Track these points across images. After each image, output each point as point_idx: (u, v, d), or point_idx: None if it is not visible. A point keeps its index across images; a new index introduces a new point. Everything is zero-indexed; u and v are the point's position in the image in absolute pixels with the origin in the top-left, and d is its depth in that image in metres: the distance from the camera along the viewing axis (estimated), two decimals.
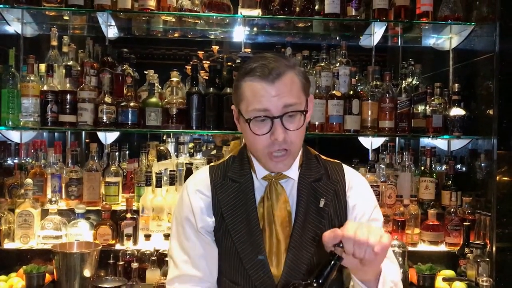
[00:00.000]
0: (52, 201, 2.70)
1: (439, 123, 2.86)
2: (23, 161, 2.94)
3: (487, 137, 2.71)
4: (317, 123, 2.80)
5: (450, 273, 2.60)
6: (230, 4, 2.93)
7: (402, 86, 2.99)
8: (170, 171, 2.81)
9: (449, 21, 2.92)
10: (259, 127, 1.39)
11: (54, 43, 2.91)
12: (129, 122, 2.75)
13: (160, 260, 2.49)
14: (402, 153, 3.13)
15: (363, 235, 1.15)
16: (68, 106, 2.73)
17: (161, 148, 3.40)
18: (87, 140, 3.54)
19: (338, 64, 2.98)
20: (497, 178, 2.60)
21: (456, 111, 2.85)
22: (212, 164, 1.63)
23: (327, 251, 1.21)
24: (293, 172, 1.51)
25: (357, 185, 1.56)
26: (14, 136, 3.03)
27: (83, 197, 2.78)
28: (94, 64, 2.90)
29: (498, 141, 2.61)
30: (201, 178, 1.56)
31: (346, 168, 1.60)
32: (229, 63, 3.01)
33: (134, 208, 2.72)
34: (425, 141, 3.33)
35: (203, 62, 3.50)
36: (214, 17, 2.99)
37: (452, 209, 2.75)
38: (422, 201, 2.90)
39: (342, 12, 2.88)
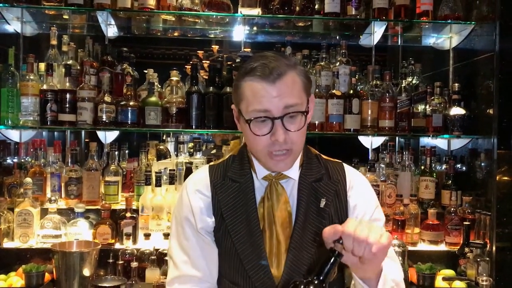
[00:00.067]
0: (52, 200, 2.70)
1: (439, 122, 2.85)
2: (22, 160, 2.94)
3: (487, 136, 2.71)
4: (317, 122, 2.79)
5: (450, 272, 2.60)
6: (230, 3, 2.92)
7: (402, 85, 2.99)
8: (170, 170, 2.81)
9: (449, 21, 2.92)
10: (259, 128, 1.37)
11: (54, 42, 2.91)
12: (129, 121, 2.74)
13: (160, 259, 2.49)
14: (402, 152, 3.13)
15: (363, 233, 1.15)
16: (67, 105, 2.73)
17: (161, 147, 3.40)
18: (86, 139, 3.54)
19: (338, 63, 2.98)
20: (497, 177, 2.60)
21: (456, 111, 2.85)
22: (211, 163, 1.61)
23: (327, 247, 1.20)
24: (294, 172, 1.50)
25: (358, 185, 1.55)
26: (14, 135, 3.03)
27: (82, 196, 2.78)
28: (94, 63, 2.90)
29: (498, 141, 2.61)
30: (201, 177, 1.54)
31: (347, 168, 1.58)
32: (229, 63, 3.01)
33: (134, 207, 2.72)
34: (425, 140, 3.33)
35: (203, 61, 3.50)
36: (214, 16, 2.99)
37: (452, 209, 2.75)
38: (422, 200, 2.90)
39: (342, 11, 2.88)
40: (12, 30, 3.07)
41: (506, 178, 2.61)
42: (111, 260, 2.49)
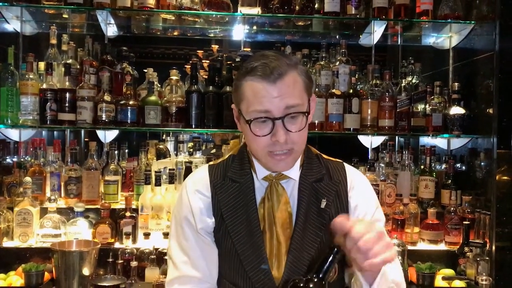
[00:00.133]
0: (51, 199, 2.70)
1: (439, 122, 2.85)
2: (22, 160, 2.94)
3: (487, 136, 2.71)
4: (316, 122, 2.79)
5: (449, 272, 2.60)
6: (230, 2, 2.92)
7: (402, 85, 2.99)
8: (170, 169, 2.81)
9: (449, 20, 2.92)
10: (260, 128, 1.36)
11: (54, 41, 2.91)
12: (128, 121, 2.74)
13: (159, 258, 2.49)
14: (401, 152, 3.12)
15: (367, 244, 1.16)
16: (67, 105, 2.73)
17: (161, 146, 3.39)
18: (86, 139, 3.53)
19: (338, 62, 2.98)
20: (497, 177, 2.60)
21: (456, 110, 2.85)
22: (211, 163, 1.59)
23: (333, 237, 1.20)
24: (294, 172, 1.48)
25: (359, 185, 1.53)
26: (13, 134, 3.03)
27: (82, 196, 2.78)
28: (94, 63, 2.89)
29: (498, 140, 2.61)
30: (200, 177, 1.53)
31: (348, 168, 1.57)
32: (228, 62, 3.01)
33: (133, 206, 2.72)
34: (425, 140, 3.33)
35: (203, 61, 3.50)
36: (214, 15, 2.99)
37: (452, 208, 2.75)
38: (421, 200, 2.90)
39: (342, 10, 2.88)
40: (11, 29, 3.06)
41: (505, 177, 2.61)
42: (110, 260, 2.49)
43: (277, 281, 1.44)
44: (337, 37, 3.35)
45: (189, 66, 2.97)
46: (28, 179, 2.63)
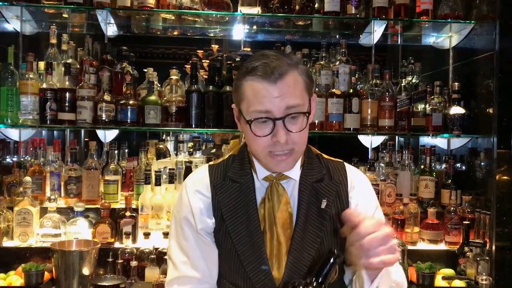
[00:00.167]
0: (51, 199, 2.70)
1: (439, 121, 2.85)
2: (22, 159, 2.94)
3: (487, 135, 2.71)
4: (316, 121, 2.79)
5: (449, 271, 2.60)
6: (230, 2, 2.92)
7: (402, 84, 2.99)
8: (169, 169, 2.81)
9: (449, 20, 2.92)
10: (260, 128, 1.35)
11: (53, 41, 2.91)
12: (128, 120, 2.74)
13: (159, 258, 2.49)
14: (401, 151, 3.12)
15: (371, 243, 1.17)
16: (67, 104, 2.73)
17: (160, 146, 3.39)
18: (86, 138, 3.53)
19: (338, 62, 2.98)
20: (497, 177, 2.60)
21: (456, 110, 2.85)
22: (211, 163, 1.58)
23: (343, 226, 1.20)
24: (295, 172, 1.48)
25: (359, 184, 1.53)
26: (13, 134, 3.03)
27: (82, 195, 2.78)
28: (93, 62, 2.89)
29: (498, 140, 2.60)
30: (200, 177, 1.52)
31: (349, 168, 1.56)
32: (228, 62, 3.01)
33: (133, 206, 2.71)
34: (425, 139, 3.33)
35: (203, 61, 3.50)
36: (214, 15, 2.99)
37: (452, 208, 2.75)
38: (421, 199, 2.90)
39: (342, 10, 2.88)
40: (11, 28, 3.06)
41: (505, 177, 2.61)
42: (110, 259, 2.49)
43: (277, 282, 1.43)
44: (337, 36, 3.35)
45: (189, 66, 2.97)
46: (28, 178, 2.63)
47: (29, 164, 2.85)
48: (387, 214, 2.71)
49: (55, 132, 3.43)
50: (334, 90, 2.82)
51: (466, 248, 2.60)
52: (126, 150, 3.17)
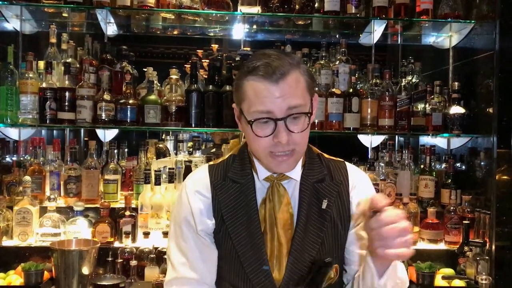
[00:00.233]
0: (51, 198, 2.69)
1: (439, 121, 2.85)
2: (21, 159, 2.94)
3: (486, 135, 2.71)
4: (316, 121, 2.79)
5: (449, 271, 2.60)
6: (230, 1, 2.92)
7: (402, 84, 2.99)
8: (169, 169, 2.81)
9: (449, 19, 2.92)
10: (262, 129, 1.34)
11: (53, 40, 2.91)
12: (128, 120, 2.74)
13: (159, 257, 2.49)
14: (401, 151, 3.12)
15: (390, 232, 1.16)
16: (67, 104, 2.72)
17: (160, 145, 3.38)
18: (86, 138, 3.53)
19: (338, 62, 2.98)
20: (497, 176, 2.60)
21: (456, 109, 2.85)
22: (211, 163, 1.57)
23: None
24: (296, 172, 1.47)
25: (360, 184, 1.53)
26: (13, 133, 3.03)
27: (81, 195, 2.78)
28: (93, 62, 2.89)
29: (498, 139, 2.60)
30: (201, 178, 1.51)
31: (350, 167, 1.56)
32: (228, 61, 3.01)
33: (133, 205, 2.71)
34: (425, 139, 3.33)
35: (202, 60, 3.50)
36: (214, 14, 2.99)
37: (452, 208, 2.75)
38: (421, 199, 2.89)
39: (342, 9, 2.88)
40: (11, 28, 3.06)
41: (505, 177, 2.61)
42: (110, 259, 2.49)
43: (277, 283, 1.43)
44: (337, 36, 3.35)
45: (189, 65, 2.97)
46: (27, 178, 2.63)
47: (29, 164, 2.85)
48: None
49: (54, 131, 3.43)
50: (334, 90, 2.82)
51: (466, 248, 2.60)
52: (126, 150, 3.17)
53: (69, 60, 2.88)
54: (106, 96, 2.72)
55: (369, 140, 3.36)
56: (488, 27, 2.74)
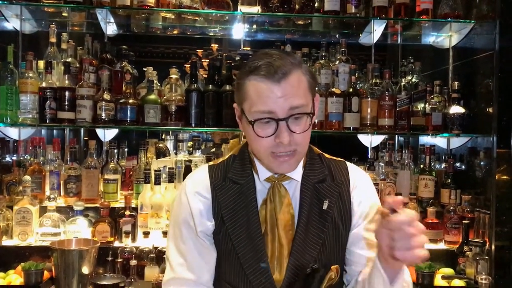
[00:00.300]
0: (51, 198, 2.70)
1: (439, 121, 2.86)
2: (21, 158, 2.94)
3: (486, 135, 2.71)
4: (316, 120, 2.79)
5: (449, 271, 2.60)
6: (230, 1, 2.92)
7: (402, 84, 2.99)
8: (169, 168, 2.81)
9: (449, 19, 2.92)
10: (263, 129, 1.33)
11: (53, 39, 2.91)
12: (128, 119, 2.74)
13: (159, 257, 2.49)
14: (401, 151, 3.13)
15: (414, 230, 1.13)
16: (66, 103, 2.72)
17: (160, 145, 3.38)
18: (85, 137, 3.53)
19: (338, 61, 2.98)
20: (497, 176, 2.60)
21: (456, 109, 2.85)
22: (211, 163, 1.56)
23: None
24: (297, 173, 1.46)
25: (361, 184, 1.52)
26: (13, 133, 3.02)
27: (81, 194, 2.78)
28: (93, 61, 2.89)
29: (498, 139, 2.61)
30: (200, 178, 1.50)
31: (351, 167, 1.55)
32: (228, 61, 3.01)
33: (133, 205, 2.71)
34: (425, 139, 3.33)
35: (202, 60, 3.50)
36: (213, 14, 2.98)
37: (451, 207, 2.75)
38: (421, 199, 2.89)
39: (341, 9, 2.88)
40: (11, 27, 3.06)
41: (505, 176, 2.61)
42: (110, 258, 2.49)
43: (278, 284, 1.42)
44: (337, 36, 3.35)
45: (189, 65, 2.97)
46: (27, 177, 2.63)
47: (29, 163, 2.84)
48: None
49: (54, 131, 3.43)
50: (334, 89, 2.82)
51: (465, 248, 2.60)
52: (126, 149, 3.16)
53: (69, 59, 2.88)
54: (106, 96, 2.72)
55: (369, 140, 3.36)
56: (488, 27, 2.74)
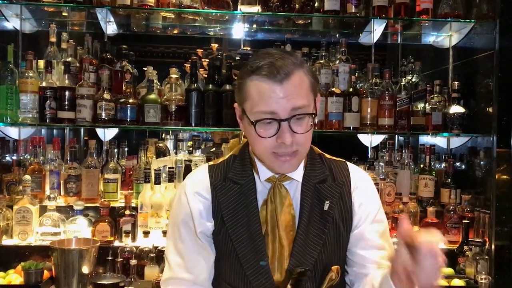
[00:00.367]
0: (51, 197, 2.70)
1: (439, 120, 2.86)
2: (21, 158, 2.93)
3: (486, 134, 2.71)
4: (316, 120, 2.79)
5: (449, 270, 2.60)
6: (230, 1, 2.92)
7: (402, 83, 2.99)
8: (169, 168, 2.81)
9: (449, 19, 2.92)
10: (265, 129, 1.32)
11: (53, 39, 2.91)
12: (128, 119, 2.74)
13: (159, 257, 2.48)
14: (401, 150, 3.13)
15: (434, 263, 1.10)
16: (66, 103, 2.72)
17: (160, 145, 3.38)
18: (85, 137, 3.53)
19: (338, 61, 2.98)
20: (496, 176, 2.61)
21: (456, 109, 2.85)
22: (211, 163, 1.55)
23: (399, 242, 1.15)
24: (297, 173, 1.45)
25: (362, 184, 1.51)
26: (13, 132, 3.02)
27: (81, 194, 2.77)
28: (93, 61, 2.89)
29: (498, 139, 2.61)
30: (200, 179, 1.49)
31: (351, 168, 1.54)
32: (228, 61, 3.01)
33: (133, 205, 2.71)
34: (425, 138, 3.33)
35: (202, 60, 3.49)
36: (214, 14, 2.98)
37: (451, 207, 2.76)
38: (421, 198, 2.90)
39: (341, 9, 2.88)
40: (11, 27, 3.06)
41: (505, 176, 2.61)
42: (110, 258, 2.49)
43: (278, 284, 1.42)
44: (337, 35, 3.35)
45: (189, 65, 2.97)
46: (27, 177, 2.63)
47: (29, 163, 2.84)
48: (387, 213, 2.70)
49: (54, 130, 3.43)
50: (334, 89, 2.82)
51: (465, 247, 2.60)
52: (126, 149, 3.16)
53: (69, 59, 2.88)
54: (106, 95, 2.72)
55: (369, 140, 3.36)
56: (488, 27, 2.74)
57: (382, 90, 2.86)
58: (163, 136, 3.64)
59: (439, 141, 3.22)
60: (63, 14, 3.07)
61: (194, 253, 1.46)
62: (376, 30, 3.20)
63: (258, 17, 3.10)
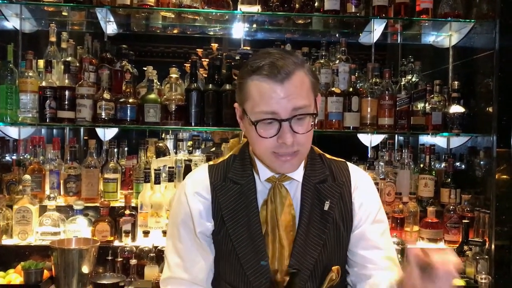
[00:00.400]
0: (51, 197, 2.70)
1: (439, 120, 2.86)
2: (21, 157, 2.93)
3: (486, 134, 2.71)
4: (316, 120, 2.78)
5: None
6: (230, 0, 2.92)
7: (402, 83, 2.99)
8: (169, 167, 2.81)
9: (449, 18, 2.92)
10: (266, 130, 1.32)
11: (53, 39, 2.91)
12: (128, 119, 2.74)
13: (159, 256, 2.48)
14: (401, 150, 3.12)
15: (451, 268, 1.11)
16: (66, 102, 2.72)
17: (160, 144, 3.39)
18: (85, 137, 3.53)
19: (338, 61, 2.98)
20: (496, 175, 2.60)
21: (456, 109, 2.85)
22: (211, 163, 1.55)
23: (412, 266, 1.14)
24: (298, 173, 1.45)
25: (362, 184, 1.51)
26: (13, 132, 3.02)
27: (81, 194, 2.77)
28: (93, 60, 2.89)
29: (498, 139, 2.61)
30: (200, 179, 1.49)
31: (352, 168, 1.54)
32: (228, 60, 3.01)
33: (133, 204, 2.71)
34: (425, 138, 3.33)
35: (202, 59, 3.50)
36: (213, 13, 2.98)
37: (451, 207, 2.75)
38: (421, 198, 2.90)
39: (341, 9, 2.88)
40: (11, 26, 3.06)
41: (505, 176, 2.61)
42: (110, 258, 2.49)
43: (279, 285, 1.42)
44: (337, 35, 3.35)
45: (189, 64, 2.97)
46: (27, 177, 2.63)
47: (29, 162, 2.84)
48: (387, 213, 2.68)
49: (54, 130, 3.43)
50: (333, 89, 2.82)
51: (465, 247, 2.60)
52: (126, 149, 3.16)
53: (69, 59, 2.88)
54: (106, 95, 2.72)
55: (369, 139, 3.36)
56: (488, 27, 2.74)
57: (382, 90, 2.86)
58: (163, 136, 3.64)
59: (439, 141, 3.22)
60: (63, 13, 3.07)
61: (193, 253, 1.46)
62: (376, 29, 3.20)
63: (258, 17, 3.10)
